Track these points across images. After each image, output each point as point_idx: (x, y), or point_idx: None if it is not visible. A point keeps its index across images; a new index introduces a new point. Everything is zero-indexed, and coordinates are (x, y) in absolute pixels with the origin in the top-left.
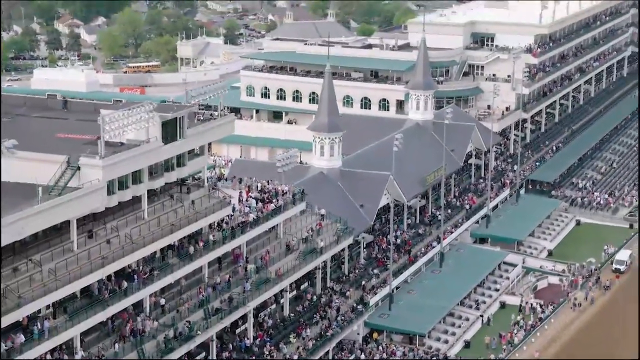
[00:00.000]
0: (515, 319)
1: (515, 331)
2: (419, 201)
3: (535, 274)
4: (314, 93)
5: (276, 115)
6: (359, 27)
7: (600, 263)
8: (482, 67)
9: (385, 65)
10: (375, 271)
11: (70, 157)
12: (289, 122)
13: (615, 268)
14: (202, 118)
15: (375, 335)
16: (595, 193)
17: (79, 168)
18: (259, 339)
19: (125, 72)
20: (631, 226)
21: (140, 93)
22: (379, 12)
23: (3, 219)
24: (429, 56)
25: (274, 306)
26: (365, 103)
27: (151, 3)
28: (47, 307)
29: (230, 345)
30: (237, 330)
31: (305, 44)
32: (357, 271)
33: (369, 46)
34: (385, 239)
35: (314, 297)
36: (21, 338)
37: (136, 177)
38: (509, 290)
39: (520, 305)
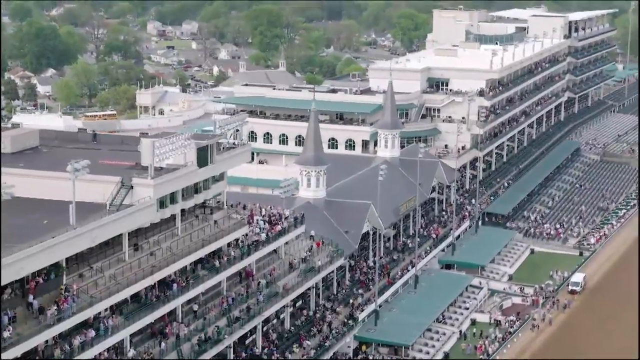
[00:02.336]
0: (492, 332)
1: (488, 343)
2: (392, 230)
3: (499, 295)
4: (283, 135)
5: None
6: (305, 76)
7: (557, 285)
8: (439, 109)
9: (351, 108)
10: (360, 291)
11: (123, 178)
12: (260, 162)
13: (571, 289)
14: (226, 146)
15: (363, 347)
16: (546, 225)
17: (131, 187)
18: (267, 349)
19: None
20: (581, 254)
21: None
22: (319, 63)
23: (79, 229)
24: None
25: (275, 320)
26: (333, 143)
27: (99, 55)
28: (106, 309)
29: (243, 354)
30: (247, 341)
31: (274, 89)
32: (344, 291)
33: (334, 91)
34: (365, 263)
35: (310, 313)
36: (92, 333)
37: (173, 197)
38: (478, 308)
39: (497, 321)
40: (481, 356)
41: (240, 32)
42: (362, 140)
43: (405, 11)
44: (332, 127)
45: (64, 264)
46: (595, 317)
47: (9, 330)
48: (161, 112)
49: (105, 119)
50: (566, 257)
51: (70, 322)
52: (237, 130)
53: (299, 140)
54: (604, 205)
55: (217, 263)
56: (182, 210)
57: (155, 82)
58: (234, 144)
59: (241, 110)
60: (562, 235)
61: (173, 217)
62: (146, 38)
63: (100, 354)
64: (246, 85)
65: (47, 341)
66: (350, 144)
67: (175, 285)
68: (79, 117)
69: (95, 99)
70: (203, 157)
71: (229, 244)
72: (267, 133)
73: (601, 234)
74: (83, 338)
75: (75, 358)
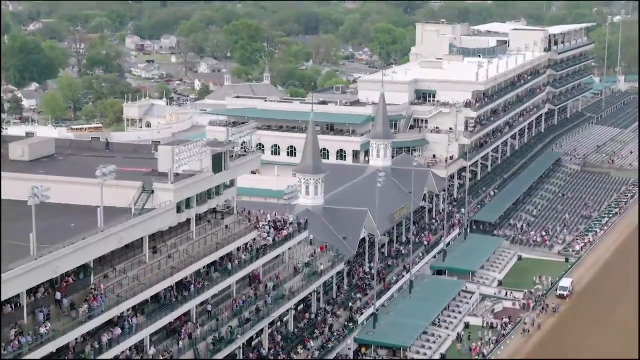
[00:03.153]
0: (486, 334)
1: (482, 345)
2: (385, 237)
3: (491, 299)
4: (275, 145)
5: None
6: (288, 89)
7: (545, 290)
8: (426, 120)
9: (342, 119)
10: (358, 295)
11: (144, 183)
12: (252, 172)
13: (559, 294)
14: (238, 154)
15: (363, 349)
16: (532, 232)
17: (152, 192)
18: (272, 350)
19: None
20: (567, 260)
21: None
22: (300, 77)
23: (106, 231)
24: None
25: (279, 323)
26: (324, 153)
27: (81, 69)
28: (128, 309)
29: (250, 354)
30: (253, 343)
31: (265, 101)
32: (342, 295)
33: (324, 102)
34: (361, 268)
35: (312, 316)
36: (118, 331)
37: (188, 202)
38: (471, 312)
39: (490, 323)
40: (476, 356)
41: (219, 47)
42: (353, 151)
43: (382, 25)
44: (323, 138)
45: (91, 265)
46: (584, 320)
47: (45, 327)
48: (148, 125)
49: (91, 132)
50: (553, 263)
51: (100, 320)
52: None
53: (291, 151)
54: (586, 213)
55: (229, 266)
56: (196, 215)
57: (140, 96)
58: (244, 151)
59: (233, 122)
60: (547, 242)
61: (187, 221)
62: (125, 52)
63: (122, 352)
64: (237, 97)
65: (76, 338)
66: (341, 154)
67: (192, 286)
68: (69, 130)
69: (81, 112)
70: (217, 164)
71: (238, 248)
72: (259, 144)
73: (585, 241)
74: (110, 335)
75: (103, 355)
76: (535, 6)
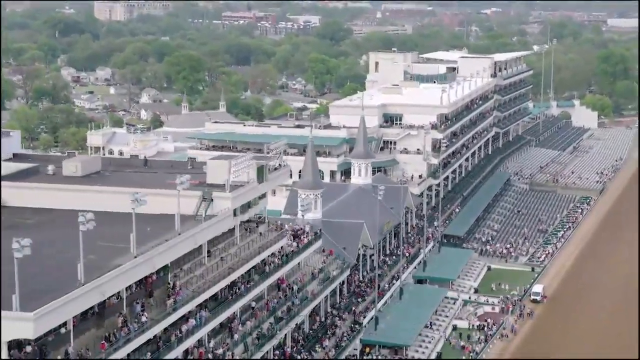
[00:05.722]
0: (476, 335)
1: (473, 344)
2: (371, 249)
3: (472, 304)
4: None
5: None
6: (238, 117)
7: (520, 296)
8: (395, 142)
9: (320, 142)
10: (359, 300)
11: (204, 192)
12: None
13: (533, 299)
14: (274, 167)
15: (367, 349)
16: (497, 245)
17: (212, 200)
18: (295, 348)
19: None
20: (533, 269)
21: None
22: (243, 106)
23: (184, 234)
24: (351, 134)
25: (294, 325)
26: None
27: (29, 101)
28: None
29: (277, 352)
30: (275, 343)
31: (244, 126)
32: (345, 300)
33: (300, 126)
34: (356, 277)
35: (322, 319)
36: (193, 322)
37: (234, 211)
38: (457, 316)
39: (481, 325)
40: (471, 355)
41: (157, 78)
42: (330, 171)
43: (316, 56)
44: (301, 159)
45: (169, 264)
46: (558, 322)
47: (145, 316)
48: (110, 152)
49: None
50: (520, 272)
51: (181, 312)
52: None
53: None
54: (542, 227)
55: (266, 269)
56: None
57: (97, 125)
58: (279, 165)
59: (213, 145)
60: (513, 253)
61: (233, 227)
62: (68, 83)
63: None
64: (216, 122)
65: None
66: (319, 175)
67: (242, 286)
68: None
69: (38, 142)
70: (260, 175)
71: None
72: None
73: (547, 252)
74: (187, 327)
75: (184, 344)
76: (455, 36)
